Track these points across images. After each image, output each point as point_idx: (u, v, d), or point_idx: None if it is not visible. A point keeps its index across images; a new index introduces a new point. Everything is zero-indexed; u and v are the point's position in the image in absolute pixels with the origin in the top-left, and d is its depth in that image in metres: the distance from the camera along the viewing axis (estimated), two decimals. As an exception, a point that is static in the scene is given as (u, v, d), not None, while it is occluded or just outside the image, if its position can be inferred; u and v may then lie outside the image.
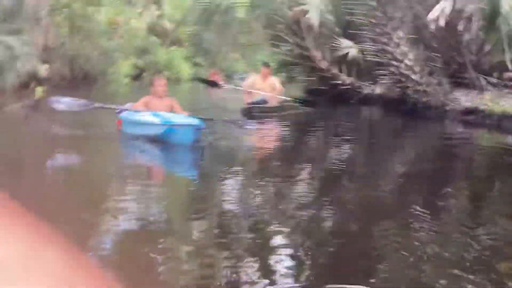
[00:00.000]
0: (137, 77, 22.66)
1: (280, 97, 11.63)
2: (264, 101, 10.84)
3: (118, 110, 7.55)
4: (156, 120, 6.87)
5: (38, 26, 14.55)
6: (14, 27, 12.27)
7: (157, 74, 11.48)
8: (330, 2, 15.23)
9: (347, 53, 15.07)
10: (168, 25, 31.00)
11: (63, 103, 7.44)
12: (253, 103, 10.64)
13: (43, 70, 14.66)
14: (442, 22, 10.01)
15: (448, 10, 9.93)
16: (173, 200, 4.87)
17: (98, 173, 5.63)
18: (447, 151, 7.78)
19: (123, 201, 4.52)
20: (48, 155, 6.43)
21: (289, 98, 11.81)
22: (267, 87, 11.62)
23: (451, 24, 12.13)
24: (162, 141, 6.76)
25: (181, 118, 6.81)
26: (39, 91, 9.56)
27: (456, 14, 12.25)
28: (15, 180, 4.86)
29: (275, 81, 12.09)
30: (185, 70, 26.29)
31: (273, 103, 11.18)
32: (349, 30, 14.91)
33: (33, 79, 12.93)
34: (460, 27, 12.58)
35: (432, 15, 10.11)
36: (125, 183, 5.24)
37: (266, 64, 12.37)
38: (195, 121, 6.56)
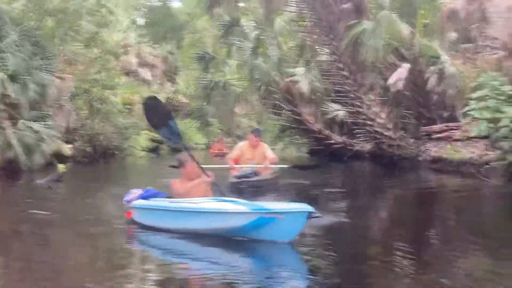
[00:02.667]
0: (154, 149, 24.68)
1: (274, 166, 9.56)
2: (255, 174, 9.08)
3: (134, 197, 5.90)
4: (238, 207, 5.05)
5: (60, 110, 16.50)
6: (39, 114, 14.08)
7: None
8: (317, 72, 17.03)
9: (335, 116, 16.78)
10: (183, 99, 33.48)
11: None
12: (241, 176, 8.96)
13: (66, 149, 16.52)
14: (400, 86, 11.57)
15: (404, 75, 11.50)
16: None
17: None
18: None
19: None
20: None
21: (285, 166, 10.19)
22: (258, 156, 9.43)
23: (418, 84, 13.76)
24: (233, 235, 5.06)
25: (280, 204, 5.22)
26: (60, 167, 11.25)
27: (422, 75, 13.94)
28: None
29: (266, 149, 9.64)
30: (198, 139, 28.46)
31: (264, 174, 9.31)
32: (335, 96, 16.65)
33: (57, 157, 14.59)
34: (428, 86, 14.20)
35: (391, 80, 11.70)
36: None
37: (255, 132, 9.81)
38: (305, 206, 4.92)
